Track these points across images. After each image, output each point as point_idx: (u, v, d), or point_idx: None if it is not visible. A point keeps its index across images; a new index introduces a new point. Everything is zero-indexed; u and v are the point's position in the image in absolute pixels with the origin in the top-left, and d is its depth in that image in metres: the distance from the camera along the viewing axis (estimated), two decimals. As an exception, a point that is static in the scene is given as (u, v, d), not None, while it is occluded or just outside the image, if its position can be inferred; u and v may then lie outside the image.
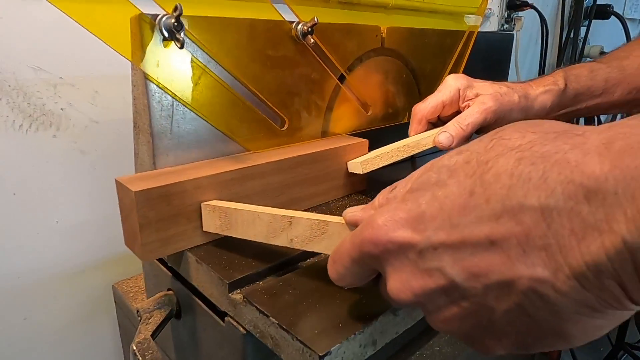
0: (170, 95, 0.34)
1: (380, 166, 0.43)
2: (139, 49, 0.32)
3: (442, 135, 0.42)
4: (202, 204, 0.34)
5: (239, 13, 0.38)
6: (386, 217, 0.20)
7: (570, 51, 1.50)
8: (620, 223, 0.14)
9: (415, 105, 0.47)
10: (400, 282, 0.20)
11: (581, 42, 1.51)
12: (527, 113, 0.45)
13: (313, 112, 0.44)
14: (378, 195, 0.25)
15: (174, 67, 0.33)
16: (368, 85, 0.50)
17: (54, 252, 0.57)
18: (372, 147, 0.46)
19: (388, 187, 0.24)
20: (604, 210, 0.15)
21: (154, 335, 0.34)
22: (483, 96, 0.43)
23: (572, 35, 1.47)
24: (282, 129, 0.42)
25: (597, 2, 1.49)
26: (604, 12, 1.48)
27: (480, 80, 0.46)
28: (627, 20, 1.89)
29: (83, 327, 0.61)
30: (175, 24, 0.31)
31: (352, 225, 0.26)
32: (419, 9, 0.88)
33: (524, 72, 1.29)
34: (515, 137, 0.19)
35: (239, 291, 0.30)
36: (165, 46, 0.32)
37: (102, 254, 0.61)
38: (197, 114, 0.35)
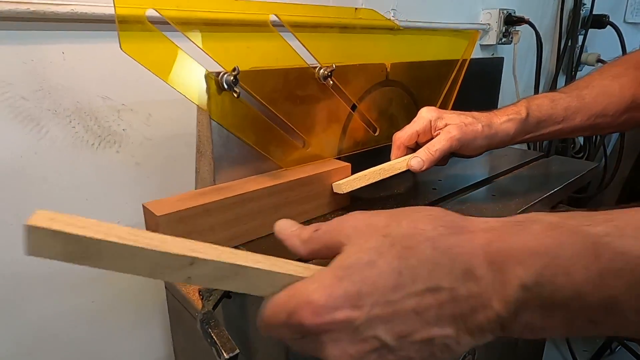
0: (226, 130, 0.45)
1: (359, 187, 0.52)
2: (205, 97, 0.43)
3: (414, 160, 0.51)
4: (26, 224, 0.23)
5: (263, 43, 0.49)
6: (325, 296, 0.23)
7: (568, 58, 1.58)
8: (495, 302, 0.24)
9: (395, 133, 0.55)
10: (339, 350, 0.24)
11: (579, 50, 1.59)
12: (491, 140, 0.53)
13: (330, 135, 0.55)
14: (306, 229, 0.29)
15: (230, 109, 0.44)
16: (376, 111, 0.61)
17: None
18: (373, 161, 0.56)
19: (312, 226, 0.29)
20: (488, 293, 0.24)
21: (214, 308, 0.46)
22: (450, 126, 0.51)
23: (570, 44, 1.56)
24: (307, 150, 0.53)
25: (594, 12, 1.57)
26: (600, 22, 1.57)
27: (450, 112, 0.54)
28: (628, 25, 1.97)
29: (135, 306, 0.74)
30: (234, 80, 0.42)
31: (281, 238, 0.30)
32: (420, 30, 0.99)
33: (523, 80, 1.38)
34: (429, 229, 0.25)
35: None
36: (224, 94, 0.43)
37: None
38: (245, 142, 0.46)
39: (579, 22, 1.55)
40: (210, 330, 0.42)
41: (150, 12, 0.41)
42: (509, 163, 0.72)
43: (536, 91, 1.39)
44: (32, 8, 0.53)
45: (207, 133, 0.44)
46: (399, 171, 0.53)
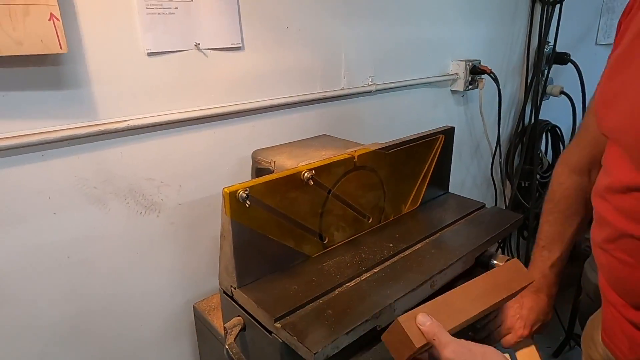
0: (245, 225, 0.68)
1: None
2: (228, 204, 0.65)
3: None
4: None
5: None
6: None
7: (534, 90, 1.79)
8: None
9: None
10: None
11: (544, 82, 1.80)
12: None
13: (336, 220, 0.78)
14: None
15: (245, 211, 0.67)
16: (354, 193, 0.83)
17: (156, 286, 0.92)
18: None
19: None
20: None
21: (235, 340, 0.69)
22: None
23: (535, 77, 1.76)
24: (324, 242, 0.76)
25: (557, 50, 1.77)
26: (562, 59, 1.77)
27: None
28: (600, 46, 2.16)
29: (167, 335, 0.98)
30: (245, 196, 0.64)
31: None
32: (395, 88, 1.20)
33: (490, 118, 1.59)
34: None
35: (279, 323, 0.64)
36: (240, 204, 0.66)
37: (183, 284, 0.96)
38: (266, 235, 0.69)
39: (544, 59, 1.75)
40: (234, 357, 0.65)
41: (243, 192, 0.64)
42: (452, 215, 0.95)
43: (499, 127, 1.60)
44: (102, 128, 0.76)
45: (228, 226, 0.67)
46: None
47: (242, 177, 0.97)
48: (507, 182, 1.89)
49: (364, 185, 0.85)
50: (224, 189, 0.65)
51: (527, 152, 1.86)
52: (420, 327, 0.53)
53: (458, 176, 1.65)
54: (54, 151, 0.73)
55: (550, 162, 1.97)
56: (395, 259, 0.80)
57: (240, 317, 0.73)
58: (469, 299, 0.60)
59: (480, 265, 0.89)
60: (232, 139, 0.95)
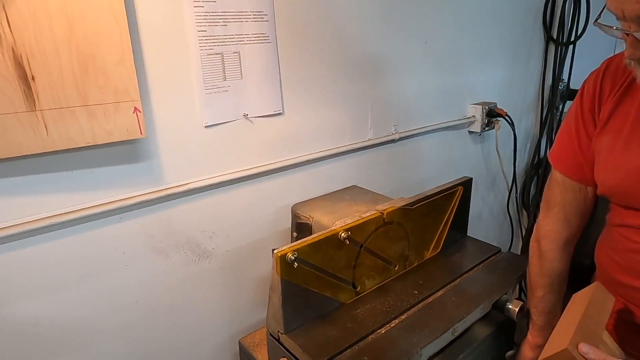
0: (292, 282, 0.79)
1: None
2: (279, 265, 0.77)
3: None
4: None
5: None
6: None
7: (549, 124, 1.87)
8: None
9: None
10: None
11: (558, 117, 1.88)
12: None
13: (369, 272, 0.89)
14: None
15: (293, 270, 0.78)
16: (383, 245, 0.94)
17: (206, 322, 1.04)
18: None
19: None
20: None
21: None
22: None
23: (550, 113, 1.85)
24: (357, 290, 0.88)
25: (571, 88, 1.85)
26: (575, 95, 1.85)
27: None
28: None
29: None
30: (293, 258, 0.76)
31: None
32: (416, 134, 1.30)
33: (505, 154, 1.68)
34: None
35: (320, 366, 0.76)
36: (290, 264, 0.77)
37: (229, 320, 1.09)
38: (308, 288, 0.81)
39: (558, 95, 1.84)
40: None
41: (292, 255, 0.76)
42: (470, 261, 1.05)
43: (514, 165, 1.69)
44: (168, 192, 0.89)
45: (278, 283, 0.78)
46: None
47: (280, 224, 1.10)
48: (524, 212, 1.98)
49: (392, 237, 0.96)
50: (275, 252, 0.77)
51: (543, 183, 1.94)
52: (585, 355, 0.59)
53: (475, 208, 1.74)
54: (129, 213, 0.86)
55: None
56: (419, 306, 0.91)
57: (286, 358, 0.84)
58: (593, 322, 0.67)
59: (496, 309, 0.99)
60: (272, 192, 1.07)
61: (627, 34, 0.62)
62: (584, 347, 0.60)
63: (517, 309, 0.96)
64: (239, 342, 1.04)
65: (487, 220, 1.82)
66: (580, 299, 0.73)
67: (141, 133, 0.78)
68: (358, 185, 1.21)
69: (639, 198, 0.73)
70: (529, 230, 1.96)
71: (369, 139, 1.25)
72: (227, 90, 0.94)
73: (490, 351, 0.97)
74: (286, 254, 0.77)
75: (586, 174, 0.84)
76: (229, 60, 0.92)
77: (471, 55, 1.47)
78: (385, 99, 1.26)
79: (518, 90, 1.75)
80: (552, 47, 1.78)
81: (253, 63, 0.96)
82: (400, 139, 1.33)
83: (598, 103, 0.79)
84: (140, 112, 0.77)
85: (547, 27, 1.73)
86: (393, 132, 1.31)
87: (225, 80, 0.93)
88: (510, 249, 1.88)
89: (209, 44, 0.89)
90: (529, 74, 1.77)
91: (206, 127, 0.92)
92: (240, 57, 0.94)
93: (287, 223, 1.07)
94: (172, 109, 0.87)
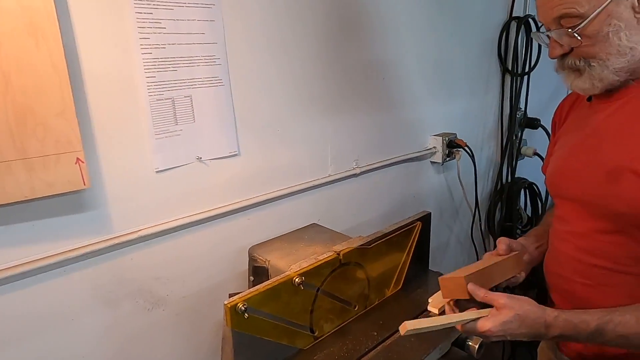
0: (244, 332, 0.77)
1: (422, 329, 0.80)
2: (229, 316, 0.75)
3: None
4: None
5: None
6: (493, 326, 0.70)
7: (509, 152, 1.93)
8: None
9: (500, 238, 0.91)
10: (497, 336, 0.72)
11: (518, 145, 1.94)
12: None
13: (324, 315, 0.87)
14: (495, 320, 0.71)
15: (244, 320, 0.76)
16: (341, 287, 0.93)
17: (162, 371, 1.00)
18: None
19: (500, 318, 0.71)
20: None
21: None
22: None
23: (509, 140, 1.90)
24: (315, 334, 0.86)
25: (528, 116, 1.92)
26: (533, 124, 1.92)
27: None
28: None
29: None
30: (244, 308, 0.74)
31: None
32: (378, 168, 1.30)
33: (468, 183, 1.71)
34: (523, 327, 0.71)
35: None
36: (240, 315, 0.75)
37: (186, 368, 1.05)
38: (257, 336, 0.78)
39: (516, 124, 1.90)
40: None
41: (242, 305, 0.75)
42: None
43: (476, 193, 1.73)
44: (117, 241, 0.86)
45: (229, 334, 0.76)
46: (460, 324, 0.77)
47: (239, 266, 1.07)
48: (490, 238, 2.00)
49: (350, 278, 0.96)
50: (224, 303, 0.75)
51: (507, 209, 1.99)
52: (475, 293, 0.74)
53: (442, 238, 1.76)
54: (73, 265, 0.83)
55: (529, 216, 2.09)
56: (378, 348, 0.89)
57: (240, 412, 0.81)
58: (498, 273, 0.84)
59: (456, 345, 0.98)
60: (230, 234, 1.05)
61: (549, 37, 0.76)
62: (470, 286, 0.75)
63: (477, 346, 0.95)
64: (197, 393, 1.00)
65: (454, 249, 1.83)
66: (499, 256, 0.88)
67: (84, 184, 0.76)
68: (319, 222, 1.20)
69: (560, 188, 0.87)
70: (496, 256, 1.98)
71: (330, 175, 1.25)
72: (179, 134, 0.93)
73: (452, 390, 0.96)
74: (236, 304, 0.75)
75: None
76: (180, 104, 0.92)
77: (430, 88, 1.51)
78: (345, 134, 1.27)
79: (478, 120, 1.80)
80: (508, 78, 1.85)
81: (206, 106, 0.96)
82: (362, 173, 1.34)
83: (559, 120, 0.98)
84: (83, 162, 0.75)
85: (502, 59, 1.79)
86: (354, 166, 1.31)
87: (176, 124, 0.92)
88: (478, 275, 1.90)
89: (159, 90, 0.88)
90: (488, 104, 1.83)
91: (157, 172, 0.91)
92: (192, 100, 0.93)
93: (247, 264, 1.05)
94: (120, 156, 0.85)
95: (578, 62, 0.74)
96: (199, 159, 0.97)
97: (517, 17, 1.75)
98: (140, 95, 0.85)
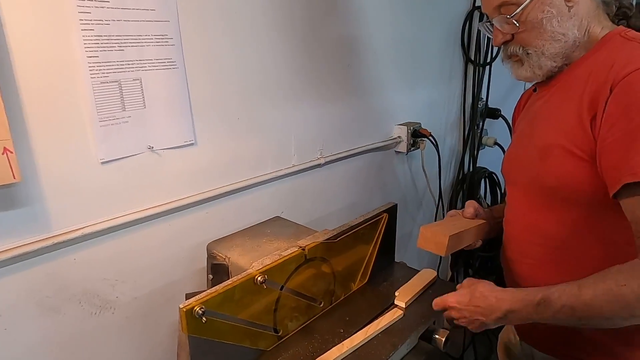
0: (201, 338, 0.71)
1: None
2: (185, 321, 0.69)
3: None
4: None
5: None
6: (455, 301, 0.79)
7: (471, 141, 1.94)
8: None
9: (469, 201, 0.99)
10: (458, 314, 0.79)
11: (479, 134, 1.96)
12: None
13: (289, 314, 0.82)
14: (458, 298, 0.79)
15: (202, 325, 0.70)
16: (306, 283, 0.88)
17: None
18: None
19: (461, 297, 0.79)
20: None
21: None
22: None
23: (471, 130, 1.92)
24: (279, 334, 0.80)
25: (490, 106, 1.94)
26: (494, 114, 1.94)
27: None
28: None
29: None
30: (201, 312, 0.68)
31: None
32: (343, 158, 1.27)
33: (432, 172, 1.71)
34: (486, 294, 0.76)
35: None
36: (198, 319, 0.69)
37: (140, 374, 0.97)
38: (217, 341, 0.73)
39: (478, 114, 1.91)
40: None
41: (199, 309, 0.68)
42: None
43: (440, 183, 1.73)
44: (56, 240, 0.77)
45: (185, 340, 0.70)
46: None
47: (197, 263, 1.01)
48: (452, 227, 2.02)
49: (315, 274, 0.91)
50: (180, 307, 0.68)
51: (468, 197, 2.01)
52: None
53: (407, 227, 1.75)
54: (5, 269, 0.73)
55: (489, 204, 2.13)
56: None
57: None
58: (468, 237, 0.93)
59: (424, 339, 0.97)
60: (187, 229, 0.98)
61: (492, 25, 0.80)
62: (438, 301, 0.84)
63: (443, 339, 0.94)
64: (152, 400, 0.93)
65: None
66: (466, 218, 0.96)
67: (14, 177, 0.67)
68: (283, 215, 1.15)
69: (507, 175, 0.91)
70: (458, 245, 2.01)
71: (293, 165, 1.20)
72: (127, 122, 0.84)
73: (419, 384, 0.95)
74: (193, 308, 0.69)
75: None
76: (129, 88, 0.83)
77: (395, 77, 1.48)
78: (309, 123, 1.22)
79: (442, 109, 1.80)
80: (470, 68, 1.86)
81: (158, 90, 0.87)
82: (327, 163, 1.29)
83: (517, 115, 1.00)
84: (11, 152, 0.66)
85: (465, 50, 1.79)
86: (319, 156, 1.27)
87: (124, 110, 0.83)
88: (439, 264, 1.92)
89: (103, 71, 0.79)
90: (451, 93, 1.82)
91: (103, 163, 0.82)
92: (142, 84, 0.85)
93: (205, 262, 0.98)
94: (58, 145, 0.76)
95: (518, 50, 0.78)
96: (151, 148, 0.88)
97: (480, 7, 1.75)
98: (80, 77, 0.76)
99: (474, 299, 0.76)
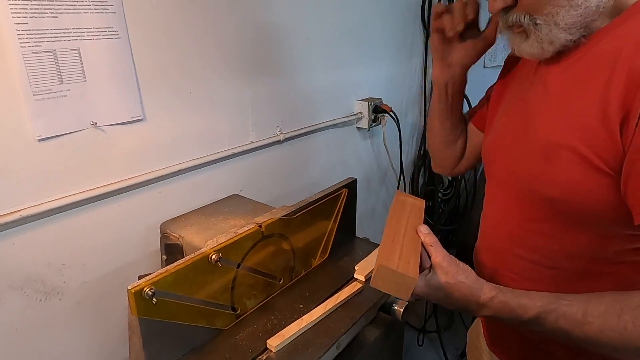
0: (153, 319, 0.68)
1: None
2: (134, 303, 0.66)
3: None
4: None
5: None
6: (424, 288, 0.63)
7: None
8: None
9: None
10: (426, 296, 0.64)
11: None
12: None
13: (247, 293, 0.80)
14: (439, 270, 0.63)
15: (153, 306, 0.68)
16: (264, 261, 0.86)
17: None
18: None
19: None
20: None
21: None
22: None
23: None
24: (237, 312, 0.79)
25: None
26: (454, 90, 1.96)
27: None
28: (487, 69, 2.41)
29: None
30: (151, 293, 0.66)
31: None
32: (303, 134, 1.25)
33: (394, 149, 1.72)
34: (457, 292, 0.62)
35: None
36: (148, 300, 0.67)
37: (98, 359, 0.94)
38: (170, 321, 0.70)
39: (439, 90, 1.93)
40: None
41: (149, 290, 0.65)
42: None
43: (401, 159, 1.74)
44: (-11, 224, 0.71)
45: (136, 322, 0.67)
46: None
47: (151, 245, 0.97)
48: (414, 202, 2.06)
49: (274, 251, 0.90)
50: (128, 288, 0.66)
51: (430, 173, 2.05)
52: (423, 233, 0.68)
53: (370, 204, 1.77)
54: None
55: (450, 180, 2.17)
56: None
57: (154, 404, 0.74)
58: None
59: (383, 311, 0.98)
60: (139, 209, 0.94)
61: None
62: (423, 228, 0.70)
63: (402, 310, 0.96)
64: (107, 386, 0.90)
65: (381, 215, 1.85)
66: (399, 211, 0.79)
67: None
68: (241, 193, 1.12)
69: (491, 166, 0.77)
70: (420, 219, 2.05)
71: (251, 142, 1.17)
72: (65, 95, 0.78)
73: (379, 355, 0.96)
74: (142, 289, 0.66)
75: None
76: (65, 59, 0.77)
77: (355, 52, 1.46)
78: (267, 98, 1.18)
79: (402, 85, 1.80)
80: (430, 44, 1.85)
81: (99, 62, 0.82)
82: (286, 139, 1.27)
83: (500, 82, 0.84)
84: None
85: (425, 24, 1.79)
86: (278, 132, 1.24)
87: (61, 83, 0.77)
88: (403, 239, 1.95)
89: (35, 40, 0.73)
90: (412, 69, 1.82)
91: (40, 140, 0.76)
92: (80, 54, 0.79)
93: (159, 243, 0.95)
94: (-14, 121, 0.69)
95: (522, 18, 0.60)
96: (94, 124, 0.83)
97: (440, -19, 1.74)
98: (8, 46, 0.70)
99: (448, 296, 0.63)
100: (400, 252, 0.63)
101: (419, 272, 0.62)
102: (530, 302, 0.58)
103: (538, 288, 0.62)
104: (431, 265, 0.64)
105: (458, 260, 0.64)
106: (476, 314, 0.64)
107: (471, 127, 0.92)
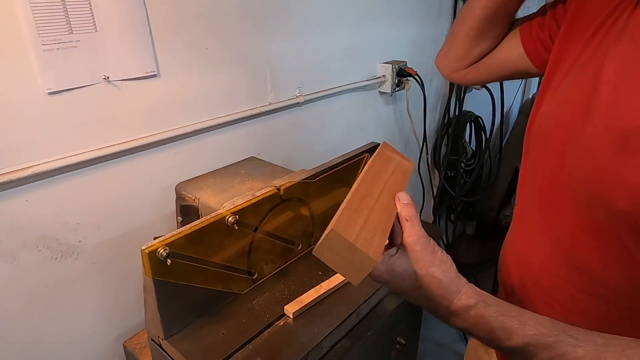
0: (168, 281, 0.66)
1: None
2: (148, 264, 0.64)
3: None
4: None
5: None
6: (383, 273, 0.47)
7: (457, 84, 1.86)
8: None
9: None
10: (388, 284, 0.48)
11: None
12: None
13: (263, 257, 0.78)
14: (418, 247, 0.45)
15: (167, 268, 0.65)
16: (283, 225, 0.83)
17: (82, 328, 0.89)
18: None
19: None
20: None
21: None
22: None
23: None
24: (254, 277, 0.76)
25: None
26: (483, 54, 1.85)
27: None
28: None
29: None
30: (165, 254, 0.63)
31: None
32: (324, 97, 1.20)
33: (417, 115, 1.65)
34: (429, 285, 0.45)
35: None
36: (162, 261, 0.64)
37: (112, 321, 0.94)
38: (185, 284, 0.68)
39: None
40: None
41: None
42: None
43: (425, 126, 1.67)
44: (1, 179, 0.69)
45: (150, 283, 0.65)
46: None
47: (166, 207, 0.95)
48: (436, 172, 2.00)
49: (292, 216, 0.87)
50: (142, 248, 0.63)
51: (453, 142, 1.97)
52: (401, 202, 0.49)
53: (389, 172, 1.71)
54: (-55, 211, 0.66)
55: (473, 150, 2.09)
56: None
57: (170, 365, 0.73)
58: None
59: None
60: (154, 170, 0.91)
61: None
62: (406, 196, 0.51)
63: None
64: (124, 345, 0.90)
65: (400, 183, 1.80)
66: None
67: (-61, 105, 0.58)
68: (259, 157, 1.08)
69: (539, 152, 0.56)
70: (440, 190, 2.00)
71: (270, 103, 1.12)
72: (76, 46, 0.74)
73: (397, 325, 0.94)
74: (156, 249, 0.64)
75: (539, 51, 0.64)
76: (75, 7, 0.72)
77: (379, 13, 1.37)
78: (287, 57, 1.12)
79: (429, 49, 1.70)
80: (460, 5, 1.74)
81: (111, 11, 0.77)
82: (306, 102, 1.21)
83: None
84: None
85: (456, -18, 1.67)
86: (297, 94, 1.18)
87: (71, 33, 0.73)
88: (422, 208, 1.90)
89: (41, -15, 0.68)
90: (440, 30, 1.72)
91: (51, 94, 0.73)
92: (90, 3, 0.74)
93: (174, 205, 0.92)
94: (-6, 71, 0.66)
95: None
96: (107, 79, 0.79)
97: None
98: (14, -10, 0.65)
99: (412, 290, 0.47)
100: (365, 221, 0.45)
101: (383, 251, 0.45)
102: (519, 328, 0.42)
103: (581, 323, 0.43)
104: (401, 243, 0.47)
105: (437, 247, 0.48)
106: (445, 321, 0.47)
107: (516, 39, 0.67)
